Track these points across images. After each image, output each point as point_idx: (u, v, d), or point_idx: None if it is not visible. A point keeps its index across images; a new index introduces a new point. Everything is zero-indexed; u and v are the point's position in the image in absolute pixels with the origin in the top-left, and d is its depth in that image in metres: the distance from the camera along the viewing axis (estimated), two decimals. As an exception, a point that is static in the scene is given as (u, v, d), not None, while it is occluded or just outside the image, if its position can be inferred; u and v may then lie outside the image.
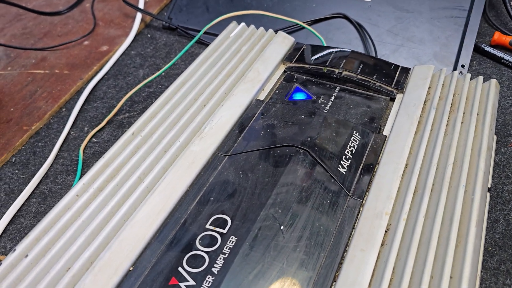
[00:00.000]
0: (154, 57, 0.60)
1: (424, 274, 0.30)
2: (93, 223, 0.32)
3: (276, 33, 0.52)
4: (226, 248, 0.31)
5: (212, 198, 0.35)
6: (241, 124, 0.41)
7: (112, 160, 0.37)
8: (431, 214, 0.34)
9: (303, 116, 0.41)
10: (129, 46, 0.62)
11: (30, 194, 0.43)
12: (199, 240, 0.32)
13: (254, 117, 0.41)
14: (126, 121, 0.50)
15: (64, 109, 0.52)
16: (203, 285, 0.29)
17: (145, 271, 0.30)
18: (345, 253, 0.32)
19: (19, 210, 0.42)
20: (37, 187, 0.44)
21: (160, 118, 0.40)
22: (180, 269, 0.30)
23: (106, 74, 0.57)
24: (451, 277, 0.30)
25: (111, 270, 0.30)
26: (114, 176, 0.36)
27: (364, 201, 0.35)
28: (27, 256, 0.31)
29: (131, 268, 0.31)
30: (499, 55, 0.59)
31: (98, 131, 0.49)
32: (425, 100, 0.44)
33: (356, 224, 0.33)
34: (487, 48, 0.60)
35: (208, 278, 0.29)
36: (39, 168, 0.45)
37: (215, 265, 0.30)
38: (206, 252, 0.31)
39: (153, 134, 0.39)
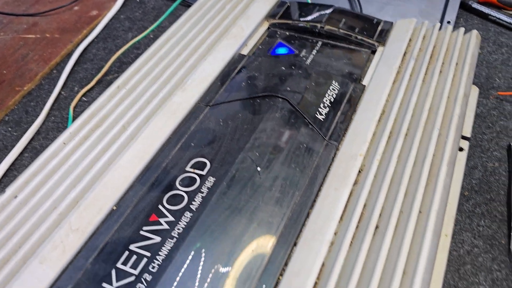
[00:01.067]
0: (142, 20, 0.60)
1: (394, 209, 0.31)
2: (78, 167, 0.34)
3: (260, -9, 0.52)
4: (204, 188, 0.32)
5: (193, 144, 0.36)
6: (223, 77, 0.42)
7: (98, 111, 0.38)
8: (404, 155, 0.35)
9: (283, 68, 0.42)
10: (118, 10, 0.62)
11: (23, 150, 0.45)
12: (179, 181, 0.33)
13: (236, 70, 0.42)
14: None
15: (55, 71, 0.53)
16: (181, 221, 0.31)
17: (128, 210, 0.32)
18: (319, 192, 0.33)
19: (13, 164, 0.43)
20: (30, 143, 0.45)
21: (144, 73, 0.42)
22: (160, 206, 0.32)
23: (96, 37, 0.58)
24: (420, 212, 0.31)
25: (95, 209, 0.32)
26: (99, 125, 0.37)
27: (340, 145, 0.36)
28: (16, 197, 0.32)
29: (115, 208, 0.32)
30: (486, 12, 0.60)
31: (88, 91, 0.50)
32: (405, 52, 0.44)
33: (331, 166, 0.35)
34: (475, 5, 0.61)
35: (187, 214, 0.31)
36: (31, 126, 0.47)
37: (193, 203, 0.31)
38: (186, 192, 0.32)
39: (137, 88, 0.40)
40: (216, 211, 0.31)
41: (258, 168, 0.34)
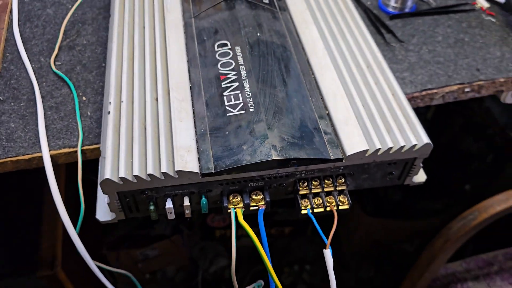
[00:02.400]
0: (49, -3, 0.67)
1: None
2: (146, 69, 0.46)
3: None
4: (238, 53, 0.48)
5: (205, 38, 0.51)
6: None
7: (122, 34, 0.49)
8: None
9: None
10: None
11: (44, 108, 0.51)
12: (218, 55, 0.48)
13: (191, -8, 0.57)
14: (73, 44, 0.59)
15: (8, 54, 0.58)
16: (241, 70, 0.46)
17: (200, 82, 0.46)
18: (298, 34, 0.52)
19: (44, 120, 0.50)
20: (43, 103, 0.52)
21: (129, 7, 0.53)
22: (220, 71, 0.46)
23: (19, 20, 0.63)
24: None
25: (182, 87, 0.45)
26: (132, 47, 0.48)
27: (289, 11, 0.55)
28: (122, 101, 0.43)
29: (191, 85, 0.46)
30: None
31: (56, 57, 0.57)
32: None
33: (294, 20, 0.54)
34: None
35: (241, 67, 0.46)
36: (32, 94, 0.52)
37: (239, 62, 0.47)
38: (229, 58, 0.48)
39: (134, 19, 0.52)
40: (256, 60, 0.47)
41: (258, 34, 0.51)
